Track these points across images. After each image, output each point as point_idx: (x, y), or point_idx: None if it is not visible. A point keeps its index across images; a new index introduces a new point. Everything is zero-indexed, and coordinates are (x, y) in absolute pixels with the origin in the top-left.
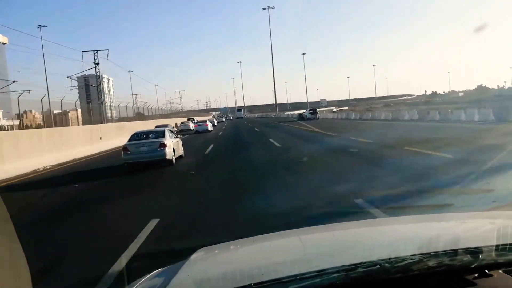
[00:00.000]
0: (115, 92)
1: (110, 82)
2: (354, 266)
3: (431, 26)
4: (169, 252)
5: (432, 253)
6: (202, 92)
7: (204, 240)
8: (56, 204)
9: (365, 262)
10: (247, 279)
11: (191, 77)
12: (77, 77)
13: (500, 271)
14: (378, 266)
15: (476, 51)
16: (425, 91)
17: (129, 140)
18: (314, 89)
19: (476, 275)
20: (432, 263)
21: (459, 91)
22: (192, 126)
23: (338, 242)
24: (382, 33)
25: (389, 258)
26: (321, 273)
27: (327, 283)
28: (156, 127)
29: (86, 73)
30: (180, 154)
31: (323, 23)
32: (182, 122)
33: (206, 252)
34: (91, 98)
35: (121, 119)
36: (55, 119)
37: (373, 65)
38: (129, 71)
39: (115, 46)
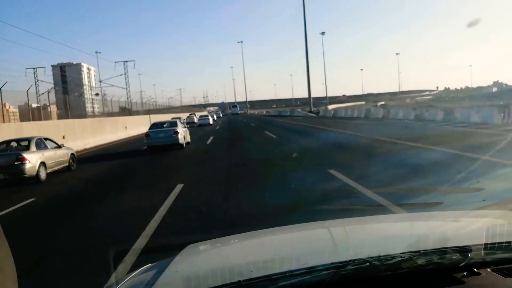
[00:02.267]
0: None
1: (91, 72)
2: (344, 264)
3: (446, 20)
4: (195, 201)
5: (421, 251)
6: (201, 87)
7: (217, 191)
8: (110, 170)
9: (354, 260)
10: (237, 276)
11: (188, 72)
12: (52, 66)
13: (489, 269)
14: (367, 263)
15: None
16: (437, 87)
17: (150, 128)
18: (321, 84)
19: (465, 273)
20: (421, 261)
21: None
22: (196, 119)
23: (328, 239)
24: (395, 26)
25: (379, 256)
26: (310, 270)
27: (316, 280)
28: (172, 119)
29: (64, 60)
30: (188, 141)
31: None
32: (188, 116)
33: (195, 248)
34: (68, 89)
35: (108, 114)
36: (33, 113)
37: (397, 53)
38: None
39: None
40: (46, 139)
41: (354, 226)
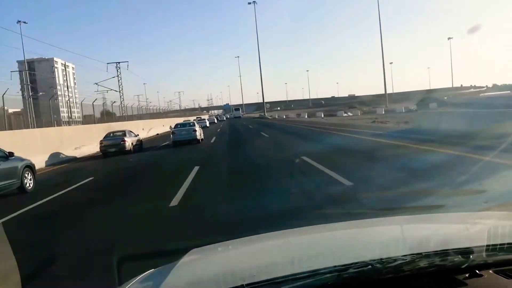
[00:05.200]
0: (79, 85)
1: (70, 70)
2: (346, 267)
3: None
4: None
5: (423, 254)
6: (206, 89)
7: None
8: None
9: (357, 263)
10: (239, 280)
11: (189, 75)
12: (18, 62)
13: (491, 271)
14: (369, 266)
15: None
16: (461, 84)
17: (174, 127)
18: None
19: (467, 275)
20: (423, 263)
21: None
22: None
23: (330, 242)
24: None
25: (381, 259)
26: (313, 273)
27: (319, 284)
28: (184, 121)
29: (34, 56)
30: (202, 138)
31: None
32: (197, 117)
33: (198, 253)
34: (37, 90)
35: (86, 121)
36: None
37: (449, 37)
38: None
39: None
40: None
41: (356, 229)
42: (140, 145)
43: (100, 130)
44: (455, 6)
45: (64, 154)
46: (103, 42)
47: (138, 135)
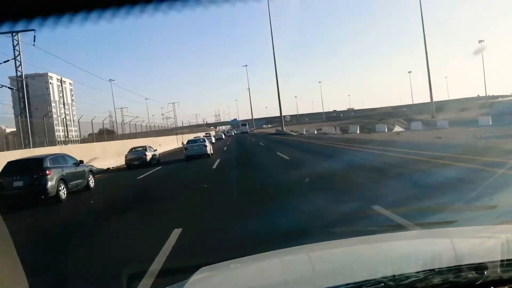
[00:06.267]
0: (77, 101)
1: (67, 86)
2: (359, 285)
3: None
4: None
5: (436, 270)
6: (211, 105)
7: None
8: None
9: (369, 280)
10: None
11: (196, 92)
12: (10, 78)
13: (506, 287)
14: (382, 284)
15: None
16: (477, 94)
17: (187, 143)
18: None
19: None
20: (436, 280)
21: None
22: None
23: (341, 259)
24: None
25: (393, 276)
26: None
27: None
28: (195, 137)
29: (28, 71)
30: (211, 152)
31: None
32: (206, 133)
33: (207, 271)
34: (31, 108)
35: (84, 140)
36: None
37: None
38: (109, 79)
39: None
40: None
41: (367, 245)
42: (158, 159)
43: (113, 147)
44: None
45: (95, 166)
46: (103, 58)
47: (156, 150)
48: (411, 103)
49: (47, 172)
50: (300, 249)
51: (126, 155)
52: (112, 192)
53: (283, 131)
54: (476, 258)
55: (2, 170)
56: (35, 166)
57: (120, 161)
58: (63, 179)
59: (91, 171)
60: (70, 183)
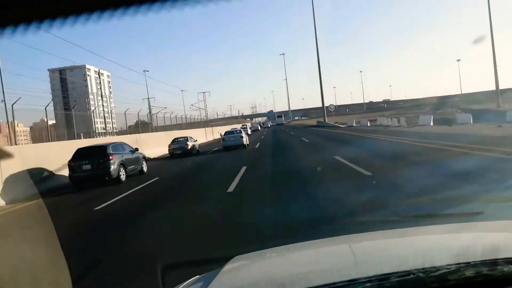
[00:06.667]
0: (115, 93)
1: (105, 78)
2: (387, 276)
3: None
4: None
5: (470, 263)
6: (250, 97)
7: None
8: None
9: (398, 272)
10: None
11: (232, 84)
12: (49, 71)
13: None
14: (412, 275)
15: None
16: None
17: (224, 134)
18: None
19: None
20: (469, 273)
21: None
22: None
23: (370, 251)
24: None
25: (423, 268)
26: (352, 282)
27: None
28: (232, 128)
29: (67, 64)
30: (247, 143)
31: None
32: (242, 125)
33: (240, 260)
34: (69, 101)
35: (121, 132)
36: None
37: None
38: (144, 71)
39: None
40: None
41: (396, 238)
42: (197, 149)
43: (153, 138)
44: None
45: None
46: (138, 50)
47: (196, 140)
48: (459, 92)
49: (110, 157)
50: (329, 241)
51: (169, 144)
52: (172, 172)
53: (327, 123)
54: (511, 252)
55: (73, 156)
56: (100, 152)
57: (159, 152)
58: (123, 164)
59: (144, 158)
60: (128, 167)
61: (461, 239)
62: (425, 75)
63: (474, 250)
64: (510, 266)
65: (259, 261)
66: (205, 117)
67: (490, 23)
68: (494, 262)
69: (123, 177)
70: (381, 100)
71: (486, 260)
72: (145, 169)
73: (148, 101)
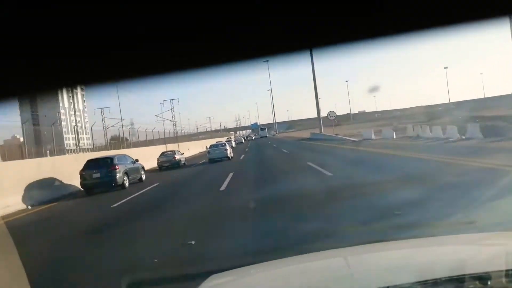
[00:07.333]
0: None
1: (78, 91)
2: None
3: None
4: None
5: (435, 280)
6: (235, 110)
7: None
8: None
9: None
10: None
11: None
12: None
13: None
14: None
15: None
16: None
17: (209, 147)
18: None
19: None
20: None
21: None
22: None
23: (333, 270)
24: None
25: (387, 287)
26: None
27: None
28: (217, 141)
29: None
30: (232, 156)
31: None
32: (227, 138)
33: (217, 279)
34: (38, 117)
35: (96, 148)
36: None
37: None
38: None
39: None
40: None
41: (360, 256)
42: (184, 162)
43: (135, 153)
44: None
45: None
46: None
47: (183, 153)
48: (447, 101)
49: (116, 167)
50: (298, 259)
51: (158, 158)
52: (168, 180)
53: (325, 135)
54: (479, 268)
55: (84, 166)
56: (107, 163)
57: (148, 165)
58: (126, 173)
59: (142, 168)
60: (130, 176)
61: (427, 255)
62: (411, 84)
63: (441, 266)
64: (477, 282)
65: (238, 279)
66: (175, 130)
67: None
68: (460, 279)
69: (126, 184)
70: (374, 110)
71: (453, 277)
72: (143, 177)
73: (121, 116)
